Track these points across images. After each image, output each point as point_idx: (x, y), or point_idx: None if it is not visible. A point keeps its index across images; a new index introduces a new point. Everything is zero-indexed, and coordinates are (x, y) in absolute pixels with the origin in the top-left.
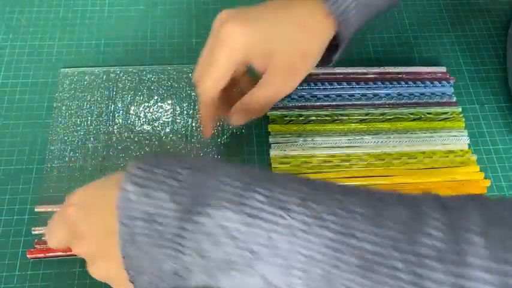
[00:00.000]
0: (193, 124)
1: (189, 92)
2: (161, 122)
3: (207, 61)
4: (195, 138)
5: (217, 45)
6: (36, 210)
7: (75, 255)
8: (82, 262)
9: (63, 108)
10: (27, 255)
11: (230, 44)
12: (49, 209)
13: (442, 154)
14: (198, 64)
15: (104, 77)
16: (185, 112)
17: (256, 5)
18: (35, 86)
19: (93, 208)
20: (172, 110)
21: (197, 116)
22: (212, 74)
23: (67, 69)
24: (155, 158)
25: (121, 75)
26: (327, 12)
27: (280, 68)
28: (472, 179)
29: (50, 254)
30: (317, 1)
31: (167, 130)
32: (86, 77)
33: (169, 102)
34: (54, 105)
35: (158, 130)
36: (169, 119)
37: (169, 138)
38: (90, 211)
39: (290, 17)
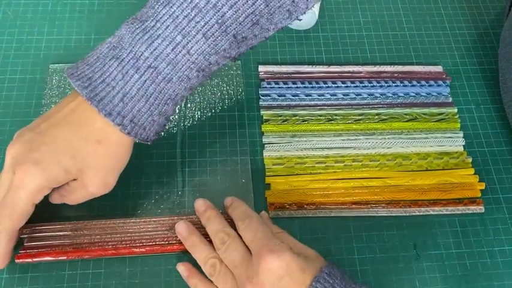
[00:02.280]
0: (187, 123)
1: None
2: None
3: (2, 201)
4: (188, 137)
5: (14, 187)
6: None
7: (64, 260)
8: (71, 265)
9: (52, 105)
10: (15, 260)
11: (28, 188)
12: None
13: (436, 156)
14: None
15: None
16: (177, 109)
17: (51, 126)
18: (22, 82)
19: None
20: None
21: (191, 114)
22: (12, 217)
23: (56, 65)
24: None
25: None
26: (122, 134)
27: (91, 184)
28: (466, 181)
29: (38, 259)
30: (107, 124)
31: None
32: None
33: None
34: (43, 102)
35: None
36: None
37: (162, 136)
38: None
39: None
